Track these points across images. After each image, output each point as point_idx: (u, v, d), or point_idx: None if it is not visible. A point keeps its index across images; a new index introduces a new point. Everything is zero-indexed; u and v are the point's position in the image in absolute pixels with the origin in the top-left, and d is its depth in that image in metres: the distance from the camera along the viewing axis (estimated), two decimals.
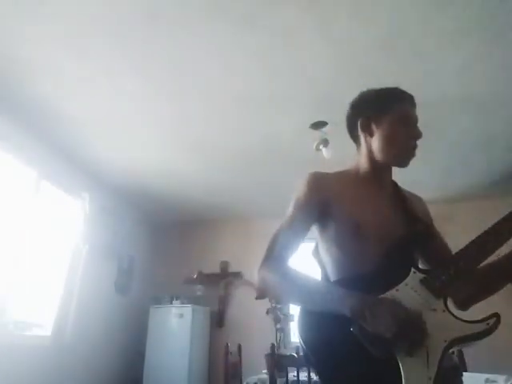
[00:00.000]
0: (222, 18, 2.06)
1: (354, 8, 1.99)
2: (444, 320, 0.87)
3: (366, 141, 1.13)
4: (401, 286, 0.93)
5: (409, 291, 0.92)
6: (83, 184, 3.74)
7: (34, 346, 3.08)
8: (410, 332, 0.82)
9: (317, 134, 2.97)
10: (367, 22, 2.08)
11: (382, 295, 0.90)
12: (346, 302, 0.87)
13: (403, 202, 1.12)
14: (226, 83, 2.56)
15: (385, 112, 1.09)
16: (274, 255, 1.02)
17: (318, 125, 2.92)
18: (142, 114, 2.90)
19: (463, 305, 1.03)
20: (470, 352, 2.31)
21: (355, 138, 1.18)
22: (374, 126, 1.11)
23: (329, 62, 2.37)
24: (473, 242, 0.91)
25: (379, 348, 0.83)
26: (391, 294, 0.91)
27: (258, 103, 2.76)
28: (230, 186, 4.10)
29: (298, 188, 1.11)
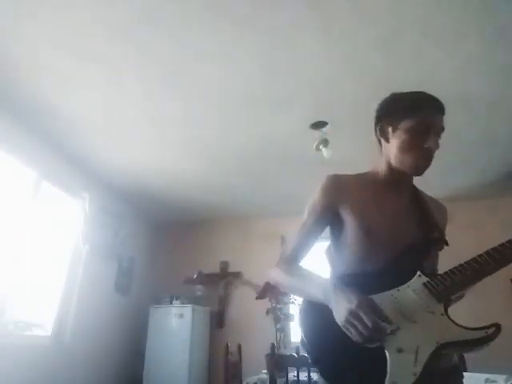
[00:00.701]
0: (222, 17, 2.06)
1: (353, 8, 1.99)
2: (441, 323, 0.88)
3: (384, 146, 1.14)
4: (403, 286, 0.96)
5: (409, 292, 0.94)
6: (83, 184, 3.74)
7: (34, 345, 3.08)
8: (359, 321, 0.84)
9: (317, 134, 2.97)
10: (367, 22, 2.08)
11: (381, 294, 0.93)
12: (326, 296, 0.94)
13: (421, 207, 1.12)
14: (226, 83, 2.56)
15: (402, 119, 1.07)
16: (287, 256, 1.12)
17: (318, 125, 2.92)
18: (142, 113, 2.90)
19: None
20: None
21: (378, 141, 1.18)
22: (390, 133, 1.10)
23: (329, 62, 2.37)
24: (486, 252, 0.91)
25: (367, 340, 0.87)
26: (391, 292, 0.94)
27: (258, 103, 2.76)
28: (229, 185, 4.10)
29: (315, 191, 1.17)
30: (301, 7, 1.99)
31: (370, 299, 0.89)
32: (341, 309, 0.87)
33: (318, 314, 0.97)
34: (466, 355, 2.33)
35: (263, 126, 3.04)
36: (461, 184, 3.97)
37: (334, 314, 0.90)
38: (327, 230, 1.16)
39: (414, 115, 1.04)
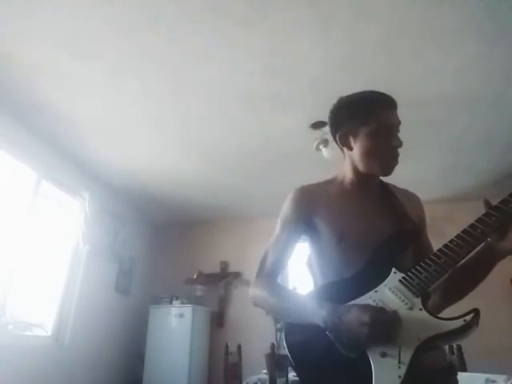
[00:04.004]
0: (222, 17, 2.06)
1: (354, 8, 1.99)
2: (419, 318, 0.87)
3: (347, 152, 1.12)
4: (380, 286, 0.95)
5: (386, 292, 0.93)
6: (83, 184, 3.74)
7: (34, 346, 3.08)
8: (381, 335, 0.83)
9: (317, 134, 2.97)
10: (367, 21, 2.08)
11: (360, 298, 0.93)
12: (319, 315, 0.91)
13: (390, 202, 1.11)
14: (225, 83, 2.56)
15: (360, 126, 1.05)
16: (263, 273, 1.11)
17: (318, 125, 2.92)
18: (142, 114, 2.90)
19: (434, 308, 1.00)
20: (470, 352, 2.32)
21: (340, 148, 1.16)
22: (351, 140, 1.08)
23: (329, 62, 2.37)
24: (457, 236, 0.90)
25: (351, 349, 0.86)
26: (369, 295, 0.94)
27: (258, 103, 2.76)
28: (229, 185, 4.10)
29: (284, 205, 1.17)
30: (300, 7, 1.99)
31: (378, 308, 0.88)
32: (356, 328, 0.85)
33: (300, 334, 0.97)
34: (465, 355, 2.33)
35: (263, 126, 3.04)
36: (461, 184, 3.97)
37: (349, 337, 0.87)
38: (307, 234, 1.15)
39: (370, 120, 1.03)
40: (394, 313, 0.87)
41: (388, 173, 1.06)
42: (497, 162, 3.52)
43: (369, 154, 1.05)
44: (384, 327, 0.84)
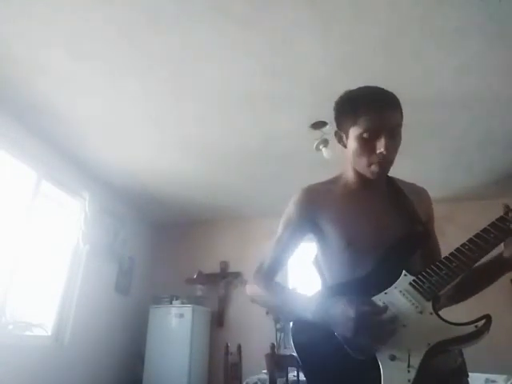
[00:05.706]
0: (222, 17, 2.06)
1: (354, 8, 1.99)
2: (430, 323, 0.86)
3: (345, 151, 1.10)
4: (390, 289, 0.93)
5: (397, 294, 0.92)
6: (83, 184, 3.74)
7: (34, 345, 3.08)
8: (368, 331, 0.83)
9: (317, 134, 2.97)
10: (367, 21, 2.08)
11: (364, 298, 0.92)
12: (309, 308, 0.94)
13: (398, 200, 1.08)
14: (225, 83, 2.56)
15: (349, 126, 1.01)
16: (262, 271, 1.12)
17: (318, 125, 2.92)
18: (142, 114, 2.90)
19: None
20: (470, 352, 2.32)
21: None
22: (344, 139, 1.07)
23: (329, 62, 2.37)
24: (469, 240, 0.89)
25: (360, 351, 0.86)
26: (379, 297, 0.93)
27: (258, 103, 2.75)
28: (229, 185, 4.10)
29: (288, 205, 1.15)
30: (301, 7, 1.99)
31: (366, 301, 0.89)
32: (342, 328, 0.86)
33: (309, 333, 0.97)
34: (465, 355, 2.33)
35: (263, 126, 3.04)
36: (461, 184, 3.97)
37: (337, 332, 0.88)
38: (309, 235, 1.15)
39: (359, 122, 0.97)
40: (385, 308, 0.87)
41: (374, 176, 1.01)
42: (497, 162, 3.52)
43: (356, 155, 1.01)
44: (372, 323, 0.83)
